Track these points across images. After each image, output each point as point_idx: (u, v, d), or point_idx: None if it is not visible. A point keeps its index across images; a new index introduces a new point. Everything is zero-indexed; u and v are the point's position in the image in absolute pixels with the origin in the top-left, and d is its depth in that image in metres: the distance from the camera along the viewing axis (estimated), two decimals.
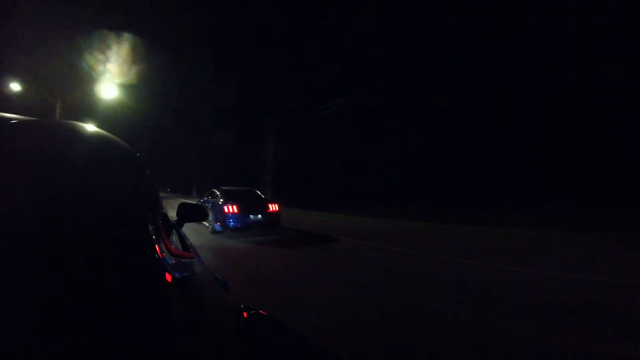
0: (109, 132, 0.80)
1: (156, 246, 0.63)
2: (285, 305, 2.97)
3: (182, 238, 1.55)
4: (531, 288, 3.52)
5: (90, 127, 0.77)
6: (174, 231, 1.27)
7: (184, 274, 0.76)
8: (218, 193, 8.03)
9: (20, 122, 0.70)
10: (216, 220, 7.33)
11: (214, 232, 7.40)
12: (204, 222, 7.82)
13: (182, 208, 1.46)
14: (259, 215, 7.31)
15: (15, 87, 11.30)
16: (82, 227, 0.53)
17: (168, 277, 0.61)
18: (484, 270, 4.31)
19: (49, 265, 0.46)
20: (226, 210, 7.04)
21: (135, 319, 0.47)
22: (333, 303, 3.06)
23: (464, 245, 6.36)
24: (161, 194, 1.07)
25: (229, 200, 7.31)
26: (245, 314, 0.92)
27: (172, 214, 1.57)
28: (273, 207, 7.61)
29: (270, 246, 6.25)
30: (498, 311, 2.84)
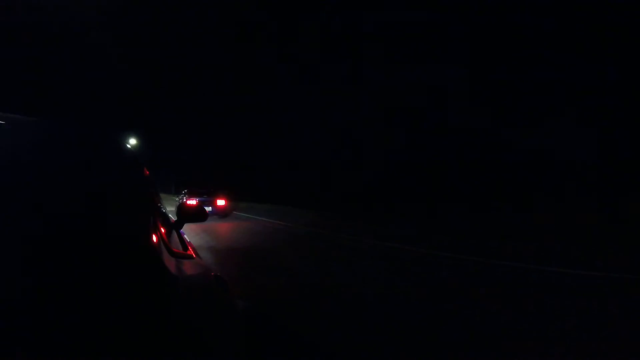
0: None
1: (155, 245, 0.63)
2: (214, 234, 7.88)
3: (182, 238, 1.55)
4: None
5: (90, 127, 0.78)
6: (174, 231, 1.27)
7: (184, 273, 0.76)
8: (185, 190, 12.47)
9: (21, 122, 0.70)
10: None
11: None
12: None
13: (182, 208, 1.47)
14: (209, 207, 10.76)
15: None
16: (82, 226, 0.54)
17: (168, 276, 0.61)
18: None
19: (48, 264, 0.46)
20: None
21: (135, 318, 0.47)
22: (232, 237, 7.75)
23: None
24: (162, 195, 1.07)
25: (190, 196, 11.39)
26: (244, 313, 0.92)
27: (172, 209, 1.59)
28: (220, 202, 11.52)
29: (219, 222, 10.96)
30: None
